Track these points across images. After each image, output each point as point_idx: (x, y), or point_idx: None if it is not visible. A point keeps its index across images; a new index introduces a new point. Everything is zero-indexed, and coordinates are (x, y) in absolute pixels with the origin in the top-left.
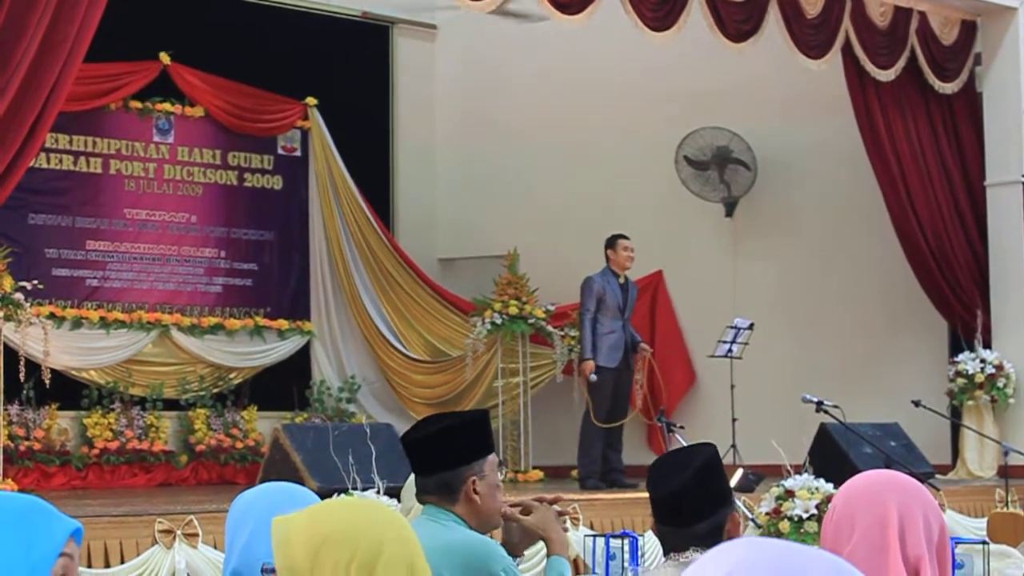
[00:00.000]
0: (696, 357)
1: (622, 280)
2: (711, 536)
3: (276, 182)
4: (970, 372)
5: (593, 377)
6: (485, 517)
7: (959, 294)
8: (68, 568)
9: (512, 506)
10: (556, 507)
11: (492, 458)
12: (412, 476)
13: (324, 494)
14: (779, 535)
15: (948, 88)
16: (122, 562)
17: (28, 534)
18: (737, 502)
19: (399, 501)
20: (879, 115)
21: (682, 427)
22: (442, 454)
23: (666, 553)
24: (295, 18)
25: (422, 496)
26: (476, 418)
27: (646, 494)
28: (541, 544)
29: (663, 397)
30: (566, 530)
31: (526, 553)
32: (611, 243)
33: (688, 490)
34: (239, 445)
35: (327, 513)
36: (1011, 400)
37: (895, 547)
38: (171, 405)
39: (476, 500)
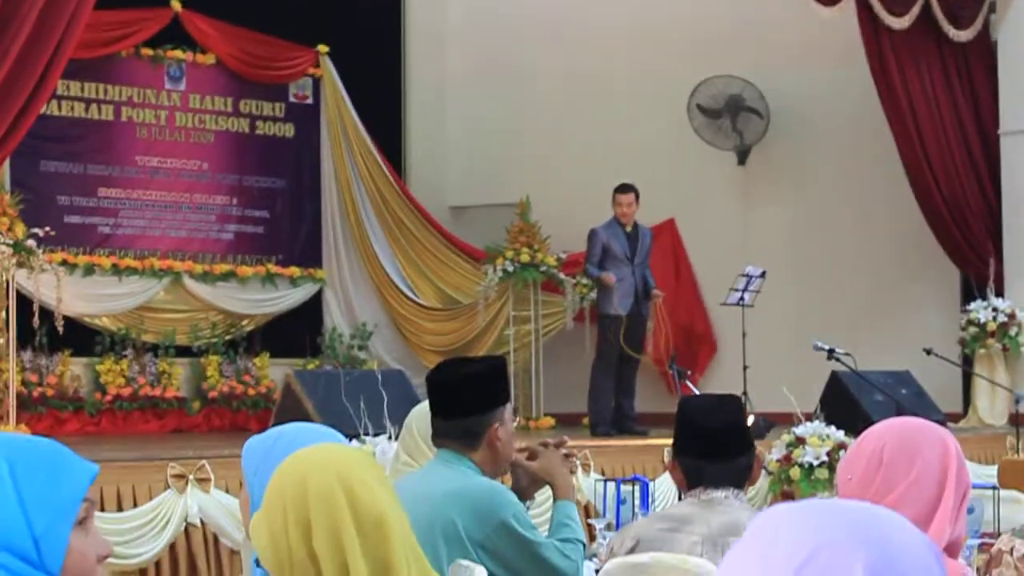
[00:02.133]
0: (708, 305)
1: (629, 229)
2: (747, 472)
3: (288, 130)
4: (982, 320)
5: (610, 275)
6: (498, 464)
7: (972, 243)
8: (89, 512)
9: (518, 451)
10: (562, 450)
11: (509, 406)
12: (416, 412)
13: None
14: (790, 482)
15: (962, 36)
16: (135, 506)
17: (53, 479)
18: None
19: None
20: (892, 63)
21: (691, 373)
22: (471, 399)
23: (691, 487)
24: None
25: (440, 440)
26: (500, 364)
27: (657, 441)
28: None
29: (673, 344)
30: (573, 472)
31: (537, 499)
32: (613, 194)
33: (737, 425)
34: (251, 392)
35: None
36: (1023, 348)
37: (952, 483)
38: (183, 352)
39: (497, 446)
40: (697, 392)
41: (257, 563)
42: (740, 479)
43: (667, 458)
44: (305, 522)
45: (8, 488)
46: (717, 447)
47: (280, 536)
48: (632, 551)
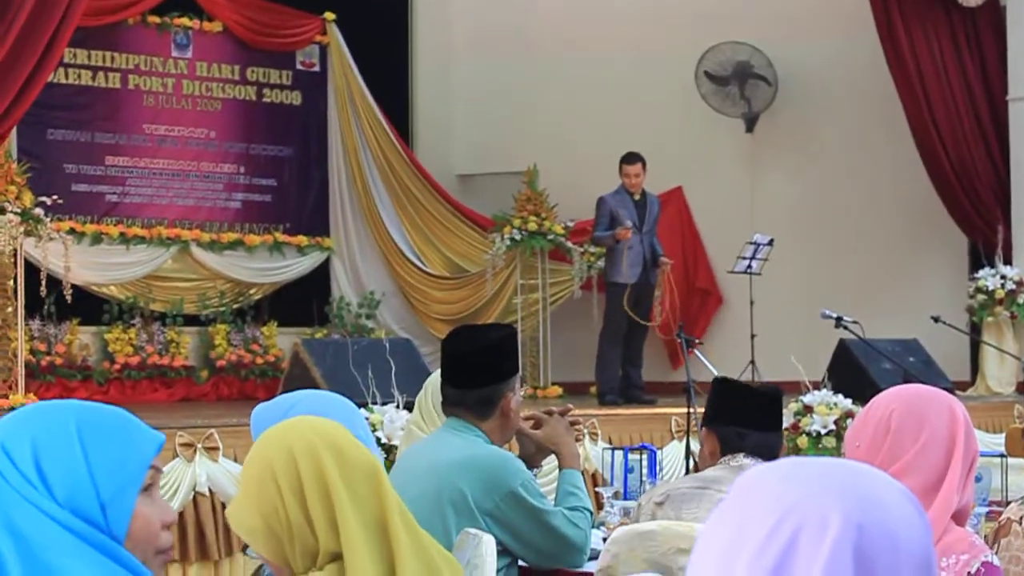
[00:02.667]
0: (716, 272)
1: (637, 197)
2: (778, 448)
3: (295, 98)
4: (990, 288)
5: (628, 226)
6: (506, 432)
7: (980, 210)
8: (155, 480)
9: (524, 420)
10: (567, 418)
11: (519, 375)
12: (428, 383)
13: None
14: (798, 451)
15: (971, 1)
16: None
17: (121, 445)
18: None
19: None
20: (901, 29)
21: (700, 342)
22: (487, 370)
23: (724, 455)
24: None
25: (451, 408)
26: (513, 334)
27: (664, 410)
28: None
29: (681, 312)
30: (579, 440)
31: (544, 467)
32: (620, 165)
33: (779, 399)
34: (259, 360)
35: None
36: None
37: (960, 450)
38: (191, 321)
39: (510, 415)
40: (706, 361)
41: (244, 549)
42: (774, 452)
43: (675, 425)
44: (298, 484)
45: (77, 453)
46: (762, 415)
47: (275, 508)
48: (661, 505)
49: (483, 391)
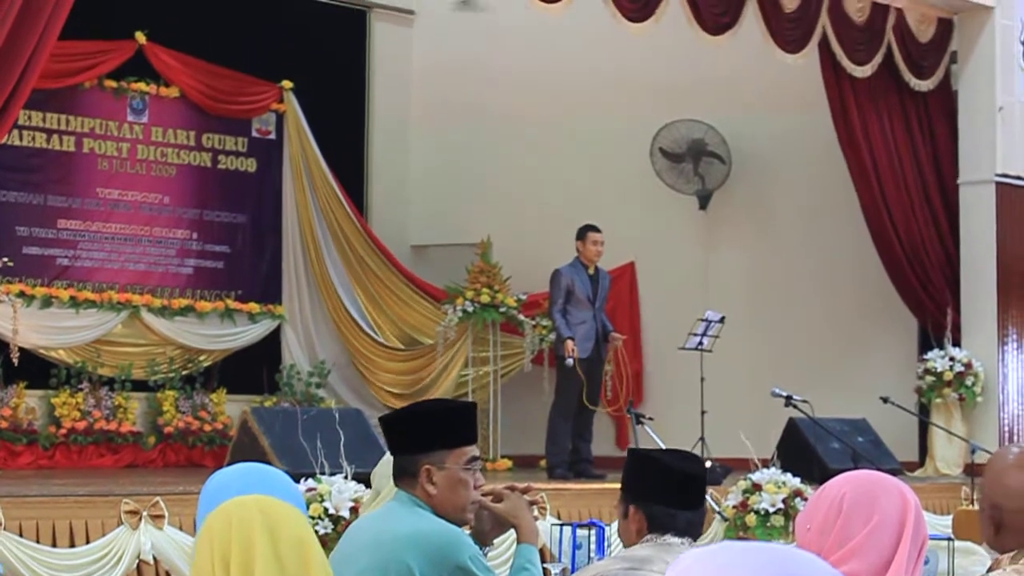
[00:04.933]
0: (666, 349)
1: (592, 271)
2: (702, 519)
3: (250, 165)
4: (939, 370)
5: (569, 361)
6: (444, 510)
7: (930, 292)
8: None
9: (484, 495)
10: (527, 496)
11: (462, 451)
12: (383, 459)
13: (291, 478)
14: (745, 529)
15: (924, 86)
16: (87, 542)
17: None
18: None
19: (367, 487)
20: (854, 111)
21: (651, 419)
22: (398, 438)
23: (651, 530)
24: (273, 0)
25: (395, 479)
26: (443, 407)
27: (614, 485)
28: (511, 533)
29: (632, 388)
30: (537, 519)
31: (495, 542)
32: (581, 235)
33: (704, 474)
34: (207, 428)
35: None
36: (979, 399)
37: (908, 533)
38: (140, 386)
39: (430, 490)
40: (656, 437)
41: None
42: (699, 529)
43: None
44: (227, 550)
45: None
46: (690, 494)
47: (208, 571)
48: None
49: (400, 459)
